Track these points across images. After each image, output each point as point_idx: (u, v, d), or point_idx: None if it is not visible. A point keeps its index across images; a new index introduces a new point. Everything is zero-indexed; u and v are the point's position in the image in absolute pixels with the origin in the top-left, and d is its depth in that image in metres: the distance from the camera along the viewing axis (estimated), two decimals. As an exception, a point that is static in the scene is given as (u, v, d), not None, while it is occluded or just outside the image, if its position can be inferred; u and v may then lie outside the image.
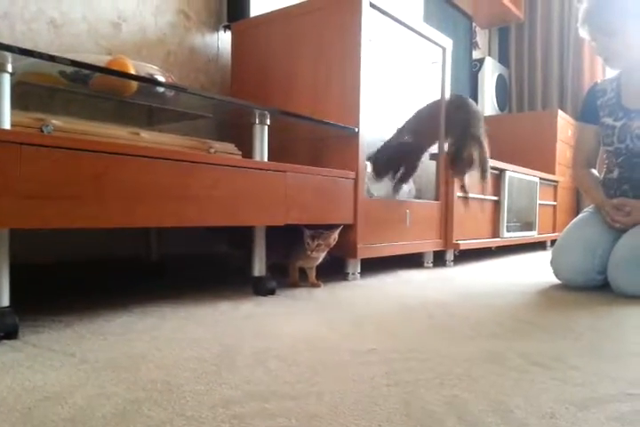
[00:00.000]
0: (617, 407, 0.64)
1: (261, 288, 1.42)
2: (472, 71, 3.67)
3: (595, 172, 1.84)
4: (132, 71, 1.31)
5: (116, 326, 1.03)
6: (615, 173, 1.74)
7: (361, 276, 1.77)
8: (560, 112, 3.46)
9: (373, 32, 1.76)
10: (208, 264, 1.96)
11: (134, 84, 1.32)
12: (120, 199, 1.04)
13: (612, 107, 1.72)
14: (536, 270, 2.15)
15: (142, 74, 1.36)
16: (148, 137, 1.30)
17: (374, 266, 1.99)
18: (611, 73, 1.82)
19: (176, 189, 1.14)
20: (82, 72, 1.22)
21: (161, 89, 1.39)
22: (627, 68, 1.67)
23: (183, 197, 1.16)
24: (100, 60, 1.31)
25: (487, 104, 3.76)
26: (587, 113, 1.82)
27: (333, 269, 1.87)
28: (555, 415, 0.61)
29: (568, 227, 1.76)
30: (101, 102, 1.60)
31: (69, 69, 1.21)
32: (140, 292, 1.44)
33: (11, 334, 0.91)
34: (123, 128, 1.29)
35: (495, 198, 2.54)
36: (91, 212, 1.00)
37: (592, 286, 1.61)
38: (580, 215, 1.80)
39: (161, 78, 1.39)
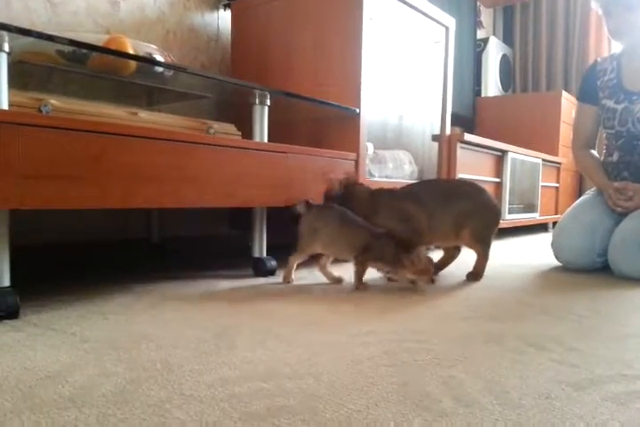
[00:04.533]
0: (612, 388, 0.64)
1: (262, 269, 1.42)
2: (476, 51, 3.62)
3: (595, 153, 1.83)
4: (131, 51, 1.29)
5: (116, 306, 1.03)
6: (615, 157, 1.72)
7: (361, 257, 1.78)
8: (564, 93, 3.42)
9: (375, 11, 1.73)
10: (209, 245, 1.97)
11: (133, 63, 1.31)
12: (119, 180, 1.03)
13: (612, 88, 1.70)
14: (537, 252, 2.15)
15: (141, 53, 1.34)
16: (147, 117, 1.29)
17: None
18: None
19: (175, 170, 1.14)
20: (80, 51, 1.21)
21: (160, 69, 1.37)
22: (632, 45, 1.64)
23: (182, 178, 1.15)
24: (99, 39, 1.29)
25: (491, 85, 3.72)
26: (586, 93, 1.80)
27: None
28: (550, 396, 0.61)
29: (569, 209, 1.75)
30: (100, 82, 1.59)
31: (67, 49, 1.20)
32: (141, 272, 1.44)
33: (12, 313, 0.92)
34: (121, 108, 1.28)
35: (497, 180, 2.53)
36: (90, 192, 0.99)
37: (592, 269, 1.61)
38: (582, 197, 1.80)
39: (160, 58, 1.37)
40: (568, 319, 1.00)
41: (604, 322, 0.98)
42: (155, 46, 1.43)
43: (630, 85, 1.66)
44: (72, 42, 1.05)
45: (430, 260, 1.22)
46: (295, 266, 1.36)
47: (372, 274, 1.32)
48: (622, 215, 1.60)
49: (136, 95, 1.65)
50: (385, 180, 1.84)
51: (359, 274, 1.26)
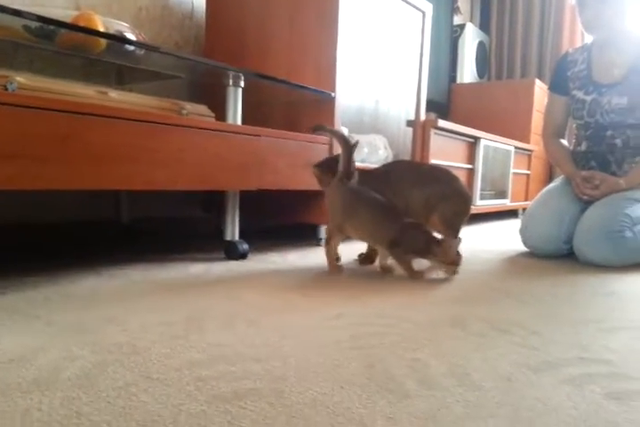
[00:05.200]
0: (569, 371, 0.66)
1: (233, 252, 1.42)
2: (452, 37, 3.62)
3: (565, 142, 1.87)
4: (100, 28, 1.26)
5: (83, 289, 1.02)
6: (583, 146, 1.76)
7: (334, 242, 1.79)
8: (537, 81, 3.46)
9: (352, -7, 1.71)
10: (181, 227, 1.95)
11: (103, 41, 1.27)
12: (87, 161, 1.01)
13: (582, 80, 1.72)
14: (506, 238, 2.19)
15: (111, 31, 1.31)
16: (117, 97, 1.27)
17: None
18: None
19: (146, 152, 1.12)
20: (48, 27, 1.17)
21: (131, 47, 1.34)
22: (604, 38, 1.66)
23: (153, 159, 1.14)
24: (67, 15, 1.25)
25: (466, 71, 3.73)
26: (557, 84, 1.82)
27: (307, 235, 1.88)
28: (510, 378, 0.63)
29: (538, 196, 1.79)
30: (69, 59, 1.54)
31: (35, 24, 1.15)
32: (109, 254, 1.43)
33: (-25, 296, 0.90)
34: (91, 87, 1.24)
35: (470, 166, 2.56)
36: (56, 173, 0.97)
37: (558, 255, 1.65)
38: (550, 185, 1.83)
39: (131, 36, 1.34)
40: (531, 304, 1.02)
41: (565, 307, 1.01)
42: (126, 24, 1.39)
43: (599, 77, 1.69)
44: (39, 18, 1.01)
45: (459, 253, 1.22)
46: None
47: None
48: (588, 203, 1.64)
49: (106, 74, 1.61)
50: (359, 164, 1.84)
51: (407, 266, 1.23)
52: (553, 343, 0.78)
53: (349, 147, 1.25)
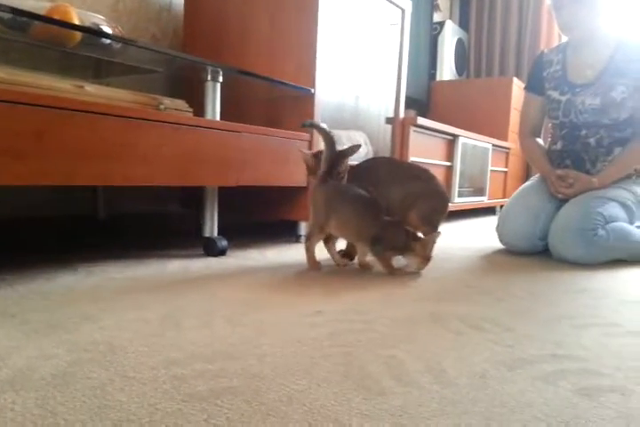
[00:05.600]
0: (543, 367, 0.68)
1: (212, 249, 1.41)
2: (432, 34, 3.64)
3: (540, 141, 1.90)
4: (75, 20, 1.23)
5: (58, 286, 1.01)
6: (559, 145, 1.79)
7: (313, 238, 1.79)
8: (515, 79, 3.50)
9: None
10: (159, 223, 1.93)
11: (78, 34, 1.25)
12: (63, 156, 1.00)
13: (557, 80, 1.75)
14: (483, 235, 2.22)
15: (87, 23, 1.29)
16: (94, 91, 1.25)
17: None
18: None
19: (123, 147, 1.11)
20: (21, 19, 1.15)
21: (107, 40, 1.32)
22: (579, 38, 1.69)
23: (131, 155, 1.12)
24: (41, 6, 1.23)
25: (446, 68, 3.76)
26: (533, 84, 1.85)
27: (286, 232, 1.88)
28: (485, 375, 0.64)
29: (514, 194, 1.81)
30: (44, 52, 1.51)
31: (7, 15, 1.13)
32: (86, 251, 1.41)
33: (-54, 293, 0.88)
34: (66, 80, 1.22)
35: (448, 164, 2.58)
36: (31, 168, 0.95)
37: (534, 252, 1.68)
38: (526, 183, 1.86)
39: (107, 29, 1.32)
40: (506, 301, 1.04)
41: (540, 303, 1.03)
42: (102, 16, 1.37)
43: (574, 78, 1.72)
44: (12, 9, 0.99)
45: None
46: (315, 249, 1.28)
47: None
48: (563, 201, 1.67)
49: (82, 67, 1.58)
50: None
51: (386, 264, 1.25)
52: (527, 340, 0.79)
53: (333, 146, 1.25)
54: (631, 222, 1.65)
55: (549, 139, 1.88)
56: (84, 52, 1.38)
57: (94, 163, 1.06)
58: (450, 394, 0.58)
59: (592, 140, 1.69)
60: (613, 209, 1.58)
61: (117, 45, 1.33)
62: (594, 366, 0.69)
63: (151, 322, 0.80)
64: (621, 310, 1.01)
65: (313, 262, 1.29)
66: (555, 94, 1.75)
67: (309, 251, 1.29)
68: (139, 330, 0.76)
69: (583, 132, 1.70)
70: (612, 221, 1.55)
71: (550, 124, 1.85)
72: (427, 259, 1.26)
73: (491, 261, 1.54)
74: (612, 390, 0.61)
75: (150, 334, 0.74)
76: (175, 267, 1.25)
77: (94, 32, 1.25)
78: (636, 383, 0.63)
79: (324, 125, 1.28)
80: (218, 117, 1.39)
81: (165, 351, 0.67)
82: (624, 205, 1.62)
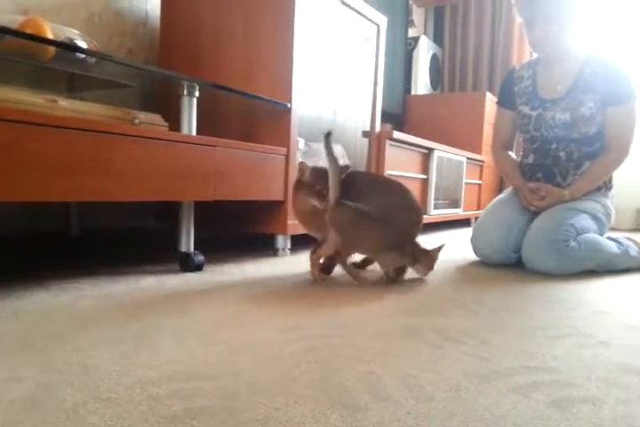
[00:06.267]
0: (516, 379, 0.69)
1: (189, 264, 1.40)
2: (407, 49, 3.70)
3: (512, 155, 1.94)
4: (49, 34, 1.22)
5: (30, 305, 0.99)
6: (530, 159, 1.83)
7: (291, 251, 1.79)
8: (488, 94, 3.57)
9: (307, 6, 1.73)
10: (134, 239, 1.91)
11: (52, 48, 1.24)
12: (33, 172, 0.98)
13: (528, 95, 1.80)
14: (458, 247, 2.25)
15: (61, 38, 1.28)
16: (67, 105, 1.23)
17: (308, 241, 2.00)
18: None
19: (96, 162, 1.10)
20: (-8, 32, 1.13)
21: (82, 55, 1.31)
22: (551, 55, 1.73)
23: (104, 170, 1.11)
24: (13, 20, 1.22)
25: (421, 83, 3.82)
26: (504, 99, 1.90)
27: (263, 245, 1.88)
28: (460, 388, 0.65)
29: (487, 207, 1.85)
30: (16, 66, 1.49)
31: (-22, 29, 1.11)
32: (58, 268, 1.38)
33: None
34: (40, 95, 1.21)
35: (424, 177, 2.61)
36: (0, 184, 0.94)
37: (507, 263, 1.71)
38: (499, 196, 1.89)
39: (81, 43, 1.31)
40: (482, 313, 1.05)
41: (514, 315, 1.05)
42: (76, 30, 1.36)
43: (544, 93, 1.76)
44: (-17, 23, 0.98)
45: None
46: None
47: (304, 268, 1.33)
48: (535, 214, 1.70)
49: (56, 81, 1.57)
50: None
51: (393, 274, 1.35)
52: (501, 352, 0.80)
53: (339, 171, 1.29)
54: (601, 234, 1.69)
55: (521, 152, 1.92)
56: (57, 67, 1.37)
57: (65, 178, 1.04)
58: (426, 409, 0.59)
59: (562, 154, 1.73)
60: (584, 221, 1.62)
61: (92, 60, 1.32)
62: (566, 377, 0.70)
63: (125, 341, 0.79)
64: (594, 321, 1.03)
65: (319, 274, 1.34)
66: (526, 109, 1.79)
67: (315, 264, 1.33)
68: (113, 349, 0.74)
69: (554, 145, 1.75)
70: (584, 233, 1.59)
71: (522, 138, 1.89)
72: (431, 269, 1.39)
73: (466, 274, 1.56)
74: (584, 401, 0.62)
75: (125, 354, 0.73)
76: (150, 283, 1.23)
77: (67, 46, 1.24)
78: (607, 394, 0.65)
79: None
80: (194, 132, 1.39)
81: (140, 371, 0.66)
82: (595, 217, 1.66)
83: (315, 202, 1.33)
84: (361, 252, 1.40)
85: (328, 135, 1.30)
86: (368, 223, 1.28)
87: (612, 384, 0.68)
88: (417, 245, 1.36)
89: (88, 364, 0.68)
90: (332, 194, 1.28)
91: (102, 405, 0.56)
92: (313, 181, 1.34)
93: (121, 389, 0.60)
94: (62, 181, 1.04)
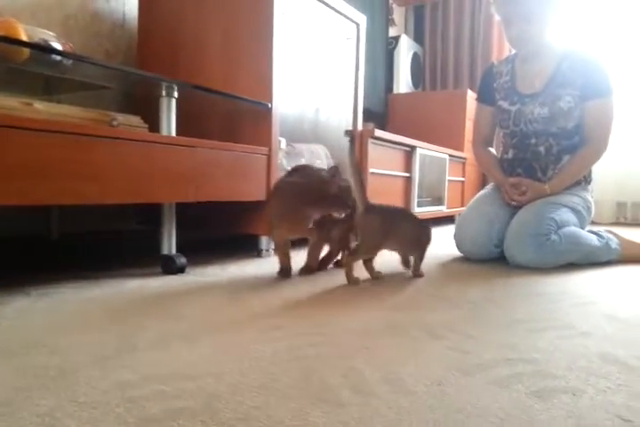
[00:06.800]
0: (498, 372, 0.69)
1: (171, 267, 1.39)
2: (388, 48, 3.71)
3: (493, 150, 1.95)
4: (23, 36, 1.21)
5: (10, 311, 0.97)
6: (510, 154, 1.85)
7: (275, 252, 1.78)
8: (469, 92, 3.59)
9: (286, 5, 1.72)
10: (115, 242, 1.89)
11: (26, 50, 1.22)
12: (9, 175, 0.97)
13: (507, 90, 1.81)
14: (442, 243, 2.25)
15: (35, 39, 1.26)
16: (42, 108, 1.22)
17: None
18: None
19: (74, 165, 1.08)
20: (-36, 35, 1.11)
21: (58, 57, 1.29)
22: (529, 52, 1.75)
23: (82, 173, 1.10)
24: (-15, 22, 1.20)
25: (402, 81, 3.83)
26: (484, 95, 1.91)
27: (247, 246, 1.87)
28: (442, 382, 0.65)
29: (470, 203, 1.86)
30: (-9, 68, 1.47)
31: (-52, 31, 1.10)
32: (39, 273, 1.36)
33: None
34: (14, 98, 1.19)
35: (407, 175, 2.62)
36: (-24, 189, 0.92)
37: (490, 258, 1.72)
38: (481, 192, 1.91)
39: (56, 45, 1.29)
40: (464, 308, 1.06)
41: (497, 309, 1.05)
42: (52, 32, 1.35)
43: (523, 88, 1.78)
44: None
45: None
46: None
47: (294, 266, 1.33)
48: (517, 208, 1.71)
49: (31, 84, 1.54)
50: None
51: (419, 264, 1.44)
52: (483, 345, 0.80)
53: (362, 179, 1.33)
54: (582, 227, 1.71)
55: (501, 148, 1.93)
56: (32, 69, 1.35)
57: (43, 182, 1.03)
58: (407, 403, 0.58)
59: (542, 149, 1.75)
60: (565, 214, 1.64)
61: (68, 62, 1.31)
62: (547, 368, 0.71)
63: (106, 344, 0.78)
64: (575, 313, 1.04)
65: (354, 278, 1.31)
66: (505, 104, 1.81)
67: (350, 268, 1.31)
68: (93, 353, 0.73)
69: (533, 140, 1.76)
70: (564, 226, 1.61)
71: (502, 134, 1.91)
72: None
73: (449, 269, 1.57)
74: (564, 391, 0.63)
75: (104, 357, 0.72)
76: (132, 286, 1.22)
77: (42, 48, 1.22)
78: (587, 383, 0.65)
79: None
80: (174, 133, 1.38)
81: (119, 374, 0.65)
82: (575, 211, 1.68)
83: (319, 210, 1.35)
84: (393, 249, 1.44)
85: (352, 141, 1.33)
86: (403, 224, 1.37)
87: (592, 374, 0.69)
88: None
89: (66, 368, 0.67)
90: (361, 201, 1.32)
91: (78, 408, 0.55)
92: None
93: (98, 392, 0.60)
94: (39, 184, 1.02)
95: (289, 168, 1.80)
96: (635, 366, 0.72)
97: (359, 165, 1.34)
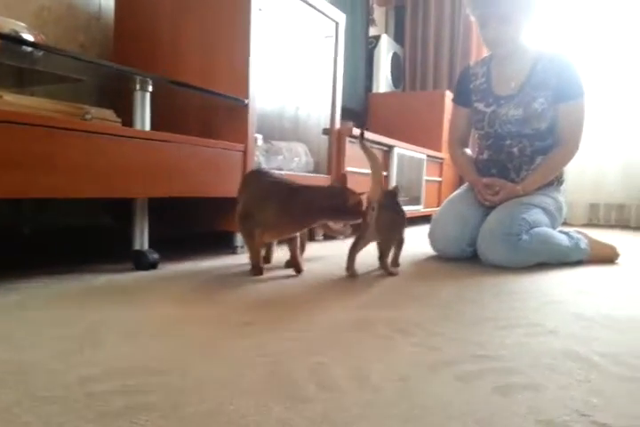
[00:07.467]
0: (463, 368, 0.70)
1: (143, 262, 1.37)
2: (368, 48, 3.72)
3: (468, 151, 1.97)
4: (-8, 26, 1.18)
5: (-28, 305, 0.95)
6: (485, 155, 1.87)
7: (250, 249, 1.77)
8: (448, 92, 3.62)
9: (264, 2, 1.71)
10: (89, 237, 1.86)
11: (-5, 40, 1.20)
12: (-25, 168, 0.95)
13: (483, 92, 1.83)
14: (417, 243, 2.27)
15: (5, 30, 1.23)
16: (13, 100, 1.20)
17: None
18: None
19: (45, 159, 1.06)
20: None
21: (29, 48, 1.27)
22: (505, 53, 1.76)
23: (53, 166, 1.08)
24: (-47, 10, 1.17)
25: (382, 81, 3.84)
26: (460, 96, 1.93)
27: (221, 243, 1.86)
28: (407, 378, 0.65)
29: (444, 203, 1.87)
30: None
31: None
32: (8, 268, 1.34)
33: None
34: (-18, 89, 1.17)
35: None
36: (-61, 181, 0.90)
37: (463, 257, 1.73)
38: (455, 192, 1.92)
39: (27, 36, 1.27)
40: (435, 305, 1.07)
41: (467, 307, 1.06)
42: (23, 24, 1.32)
43: (498, 90, 1.80)
44: None
45: None
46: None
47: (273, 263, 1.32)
48: (490, 208, 1.73)
49: (1, 76, 1.51)
50: (277, 171, 1.84)
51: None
52: (451, 342, 0.81)
53: (382, 177, 1.40)
54: (554, 227, 1.74)
55: (477, 149, 1.95)
56: (2, 60, 1.32)
57: (10, 174, 1.01)
58: (372, 398, 0.59)
59: (515, 150, 1.77)
60: (537, 215, 1.66)
61: (39, 53, 1.28)
62: (512, 364, 0.72)
63: (70, 339, 0.76)
64: (544, 311, 1.05)
65: (353, 270, 1.38)
66: (480, 106, 1.82)
67: (351, 257, 1.39)
68: (56, 348, 0.72)
69: (507, 141, 1.78)
70: (536, 226, 1.63)
71: (477, 135, 1.93)
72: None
73: (422, 267, 1.58)
74: (527, 387, 0.64)
75: (67, 352, 0.71)
76: (102, 282, 1.20)
77: (11, 39, 1.20)
78: (549, 380, 0.66)
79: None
80: (148, 127, 1.37)
81: (82, 369, 0.64)
82: (547, 211, 1.71)
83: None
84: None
85: (362, 135, 1.35)
86: (399, 223, 1.46)
87: (555, 371, 0.70)
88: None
89: (26, 363, 0.66)
90: (377, 199, 1.37)
91: (38, 403, 0.54)
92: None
93: (58, 387, 0.59)
94: (9, 177, 1.00)
95: (265, 166, 1.80)
96: (596, 363, 0.73)
97: (378, 160, 1.37)
